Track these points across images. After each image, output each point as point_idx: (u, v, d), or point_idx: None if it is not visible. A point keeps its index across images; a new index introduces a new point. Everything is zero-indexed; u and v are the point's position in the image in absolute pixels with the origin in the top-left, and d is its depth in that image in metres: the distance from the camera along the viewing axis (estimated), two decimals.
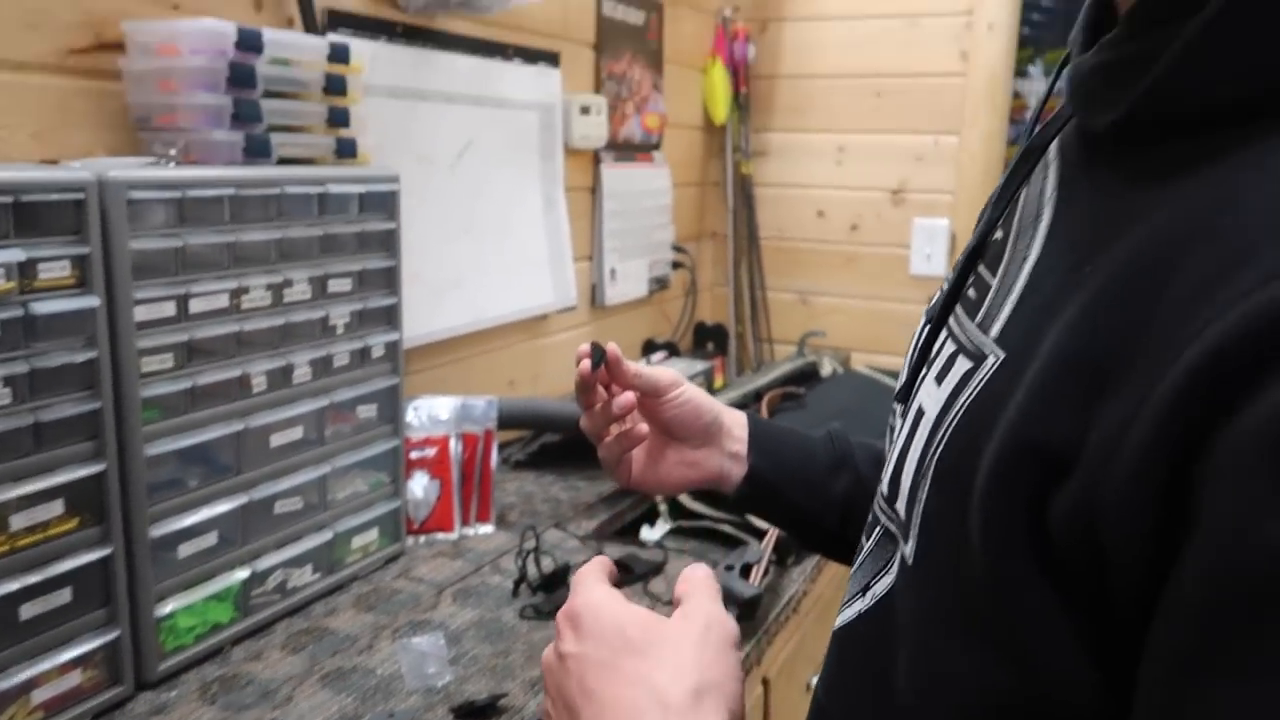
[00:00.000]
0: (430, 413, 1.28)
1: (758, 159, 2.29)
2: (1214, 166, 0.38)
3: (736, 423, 0.81)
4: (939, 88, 2.09)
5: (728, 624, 0.50)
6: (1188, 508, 0.33)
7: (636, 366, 0.76)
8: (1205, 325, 0.33)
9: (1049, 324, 0.41)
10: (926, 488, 0.47)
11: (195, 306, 0.91)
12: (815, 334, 2.22)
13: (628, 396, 0.75)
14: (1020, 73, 2.80)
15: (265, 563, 1.01)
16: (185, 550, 0.94)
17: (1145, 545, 0.34)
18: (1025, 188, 0.52)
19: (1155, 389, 0.34)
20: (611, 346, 0.75)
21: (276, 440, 1.01)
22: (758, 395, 1.74)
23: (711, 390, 1.82)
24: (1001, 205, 0.53)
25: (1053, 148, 0.51)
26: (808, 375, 1.99)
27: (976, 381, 0.45)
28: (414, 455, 1.25)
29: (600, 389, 0.76)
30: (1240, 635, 0.32)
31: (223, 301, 0.93)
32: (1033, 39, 2.18)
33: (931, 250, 2.15)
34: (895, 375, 0.67)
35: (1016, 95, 2.67)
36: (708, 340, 2.28)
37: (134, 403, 0.86)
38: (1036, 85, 3.12)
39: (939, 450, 0.46)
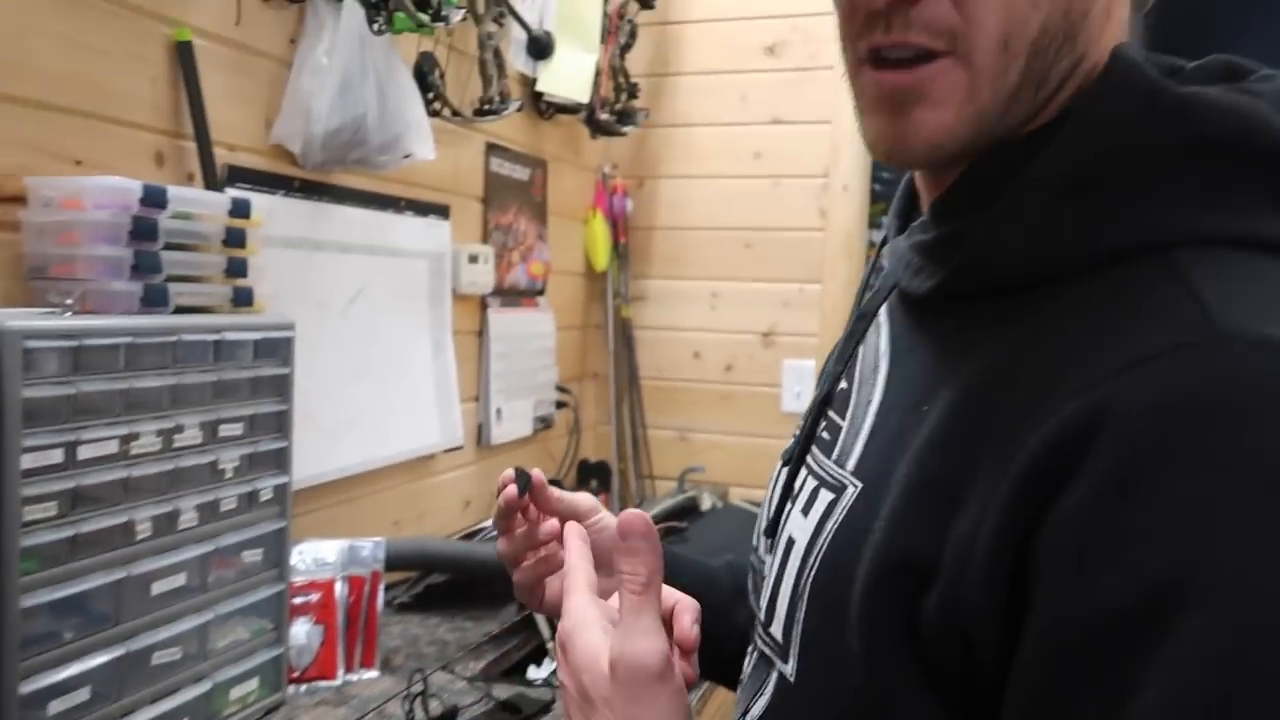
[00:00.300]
0: (316, 556, 1.28)
1: (637, 304, 2.41)
2: (1013, 322, 0.47)
3: None
4: (802, 240, 2.28)
5: (635, 659, 0.49)
6: (1028, 594, 0.40)
7: (559, 492, 0.76)
8: (1028, 440, 0.41)
9: (898, 456, 0.49)
10: (804, 609, 0.53)
11: (84, 453, 0.91)
12: (694, 470, 2.30)
13: (553, 523, 0.74)
14: (874, 224, 3.05)
15: (140, 718, 0.98)
16: (55, 708, 0.91)
17: (1001, 636, 0.42)
18: (862, 346, 0.61)
19: (994, 499, 0.42)
20: (536, 472, 0.75)
21: (158, 588, 1.00)
22: None
23: None
24: (844, 360, 0.61)
25: (882, 312, 0.60)
26: (689, 510, 2.05)
27: (840, 510, 0.53)
28: (298, 600, 1.24)
29: (519, 515, 0.76)
30: (1067, 691, 0.39)
31: (112, 448, 0.94)
32: (884, 195, 2.41)
33: (800, 389, 2.28)
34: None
35: (872, 244, 2.91)
36: (591, 477, 2.33)
37: (12, 553, 0.85)
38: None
39: (812, 574, 0.53)
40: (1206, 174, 0.45)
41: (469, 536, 1.78)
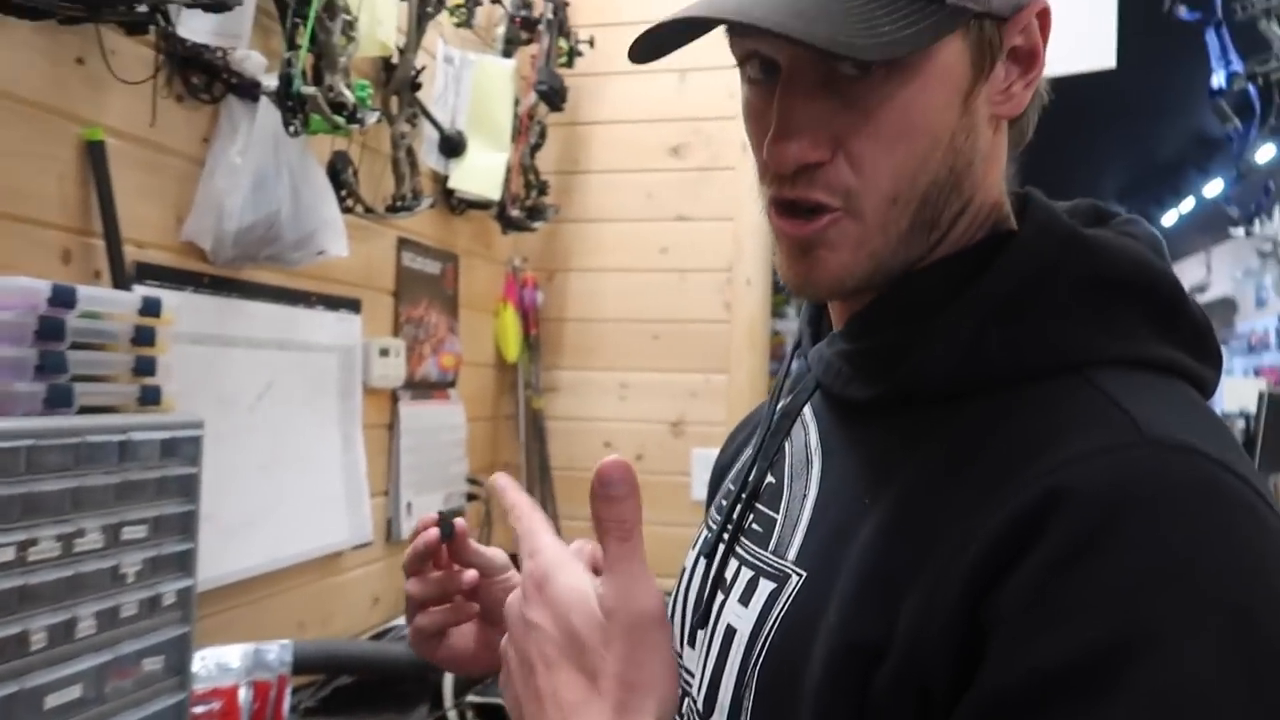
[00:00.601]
0: (219, 661, 1.24)
1: (548, 394, 2.44)
2: (960, 423, 0.53)
3: None
4: (708, 332, 2.35)
5: (639, 606, 0.49)
6: (983, 651, 0.45)
7: (476, 545, 0.75)
8: (988, 520, 0.46)
9: (844, 546, 0.53)
10: (751, 697, 0.55)
11: None
12: None
13: (472, 574, 0.72)
14: (778, 314, 3.16)
15: None
16: None
17: (957, 694, 0.45)
18: (788, 443, 0.64)
19: (951, 574, 0.47)
20: (460, 521, 0.74)
21: (51, 701, 0.95)
22: None
23: None
24: (769, 456, 0.65)
25: (806, 410, 0.64)
26: None
27: (785, 598, 0.55)
28: (199, 709, 1.19)
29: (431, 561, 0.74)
30: None
31: (8, 555, 0.90)
32: (785, 288, 2.51)
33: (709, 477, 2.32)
34: None
35: (776, 333, 3.01)
36: None
37: None
38: (790, 324, 3.50)
39: (760, 662, 0.55)
40: (1108, 305, 0.53)
41: (378, 636, 1.74)
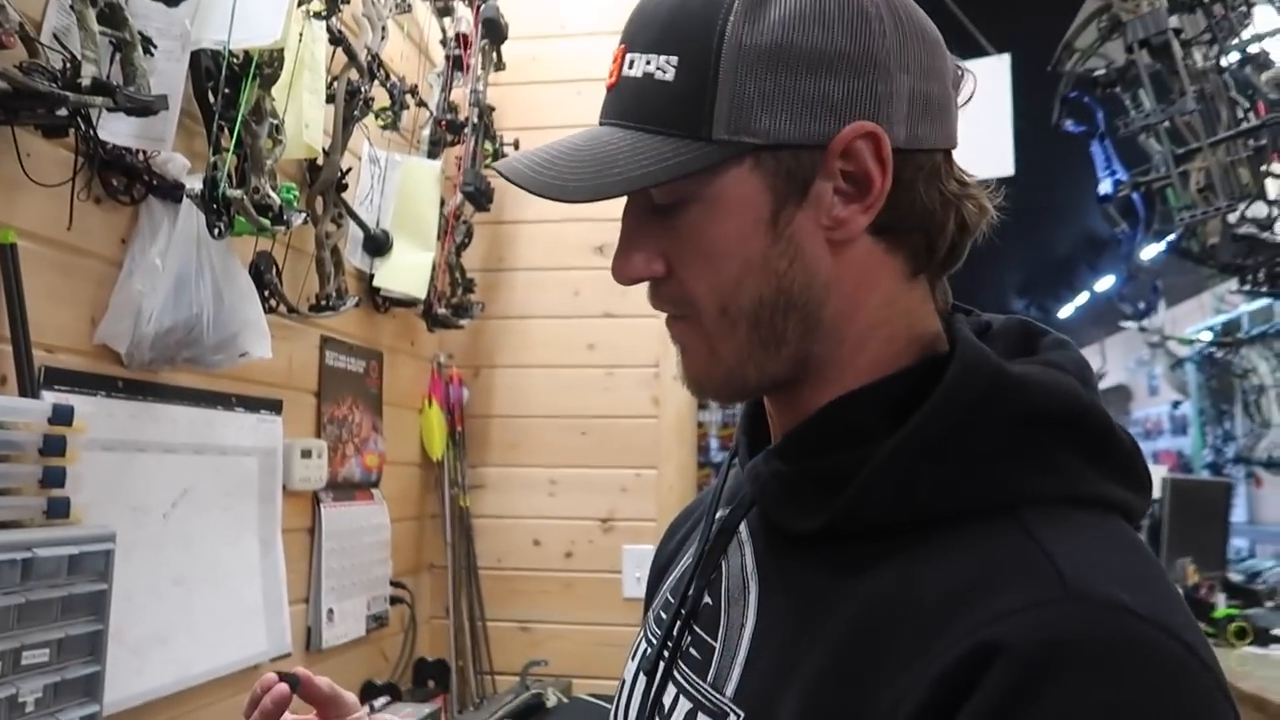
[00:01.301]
0: None
1: (475, 492, 2.39)
2: (895, 561, 0.53)
3: None
4: (637, 427, 2.35)
5: None
6: None
7: (326, 680, 0.79)
8: (926, 671, 0.47)
9: (783, 688, 0.53)
10: None
11: None
12: (538, 663, 2.23)
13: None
14: (702, 406, 3.19)
15: None
16: None
17: None
18: (724, 561, 0.64)
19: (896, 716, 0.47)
20: (301, 670, 0.77)
21: None
22: None
23: None
24: (706, 575, 0.64)
25: (743, 529, 0.64)
26: (534, 708, 1.98)
27: None
28: None
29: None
30: None
31: None
32: None
33: (641, 574, 2.29)
34: (613, 700, 0.72)
35: (700, 425, 3.03)
36: (428, 678, 2.22)
37: None
38: (714, 415, 3.54)
39: None
40: (1038, 443, 0.54)
41: None
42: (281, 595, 1.69)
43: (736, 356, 0.58)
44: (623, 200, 0.60)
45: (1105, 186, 2.81)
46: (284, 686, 0.74)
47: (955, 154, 0.61)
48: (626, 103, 0.58)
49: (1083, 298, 9.74)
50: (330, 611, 1.87)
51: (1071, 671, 0.44)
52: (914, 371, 0.58)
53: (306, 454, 1.77)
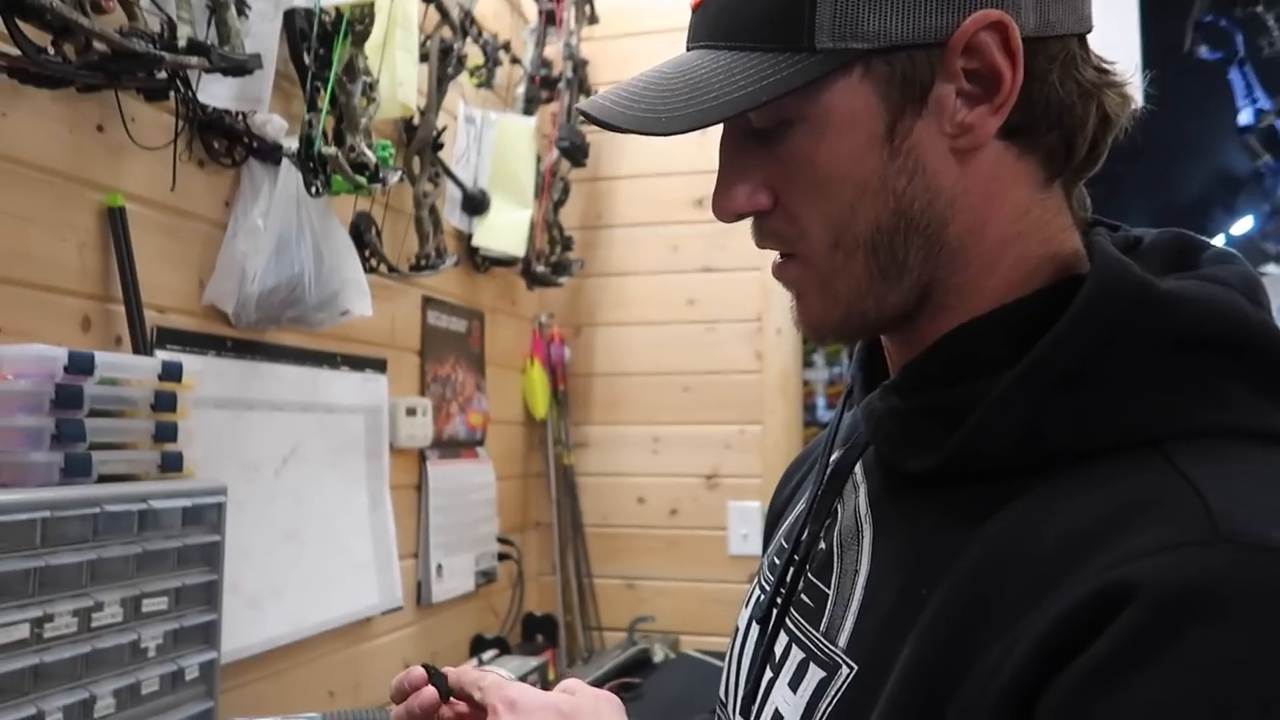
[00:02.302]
0: None
1: (578, 450, 2.40)
2: (1019, 503, 0.48)
3: None
4: (740, 383, 2.30)
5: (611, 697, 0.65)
6: None
7: (475, 676, 0.72)
8: (1046, 614, 0.42)
9: (898, 641, 0.49)
10: None
11: None
12: (644, 619, 2.23)
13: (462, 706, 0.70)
14: (807, 363, 3.13)
15: None
16: None
17: None
18: (839, 503, 0.60)
19: (991, 686, 0.43)
20: (448, 670, 0.72)
21: None
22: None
23: (546, 684, 1.78)
24: (820, 520, 0.60)
25: (858, 470, 0.60)
26: (641, 663, 1.98)
27: (834, 693, 0.52)
28: None
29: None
30: None
31: (22, 632, 0.87)
32: None
33: (747, 531, 2.26)
34: (722, 657, 0.70)
35: (806, 382, 2.97)
36: (537, 632, 2.24)
37: None
38: (820, 374, 3.46)
39: None
40: (1193, 369, 0.47)
41: None
42: (391, 550, 1.72)
43: (854, 292, 0.53)
44: (720, 134, 0.56)
45: (1245, 116, 2.59)
46: (431, 691, 0.69)
47: None
48: (716, 20, 0.53)
49: (1217, 241, 9.17)
50: (439, 567, 1.90)
51: (1214, 621, 0.38)
52: (1048, 293, 0.52)
53: (411, 412, 1.79)
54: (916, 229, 0.52)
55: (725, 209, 0.55)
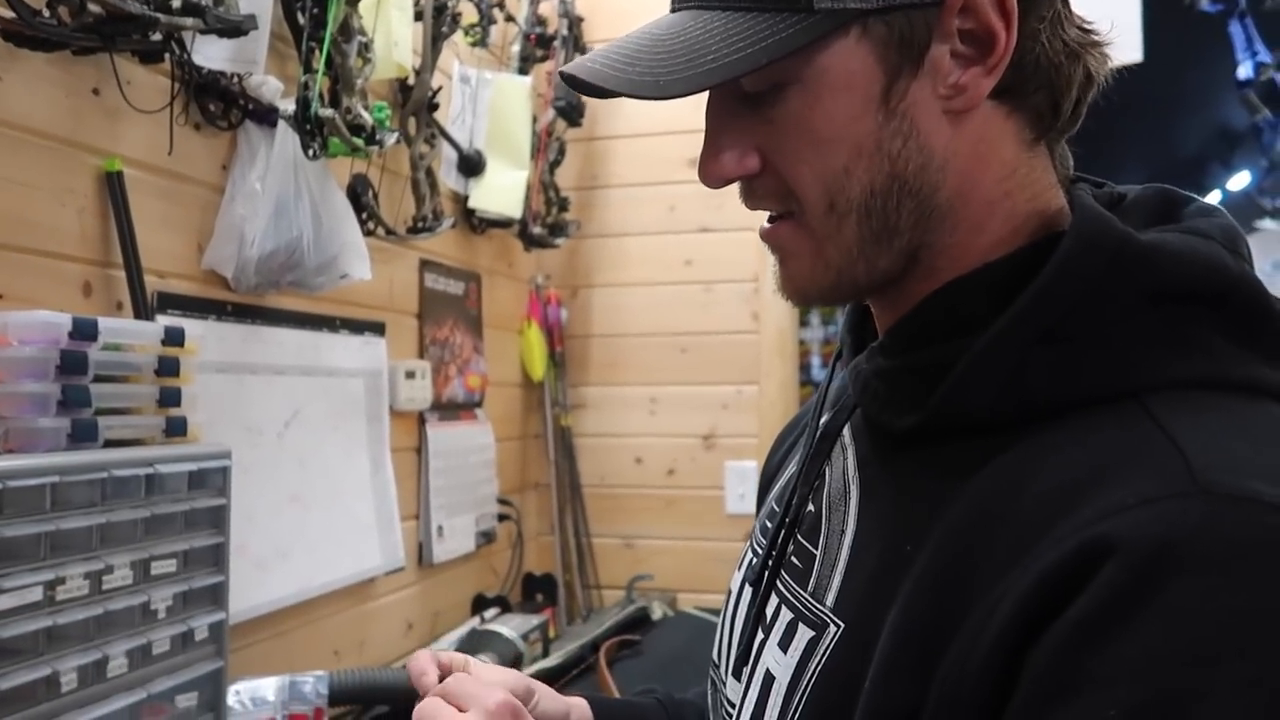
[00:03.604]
0: (254, 695, 1.21)
1: (576, 411, 2.41)
2: (1002, 458, 0.48)
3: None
4: (737, 343, 2.31)
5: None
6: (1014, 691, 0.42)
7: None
8: (1027, 570, 0.42)
9: (884, 599, 0.49)
10: None
11: (3, 603, 0.86)
12: (643, 578, 2.26)
13: None
14: (803, 323, 3.13)
15: None
16: None
17: None
18: (827, 466, 0.61)
19: (978, 641, 0.43)
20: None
21: None
22: (594, 646, 1.74)
23: (546, 641, 1.81)
24: (809, 482, 0.61)
25: (846, 432, 0.61)
26: (640, 621, 2.01)
27: (823, 650, 0.52)
28: None
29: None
30: None
31: (36, 595, 0.89)
32: None
33: (743, 490, 2.28)
34: (720, 614, 0.71)
35: (802, 342, 2.98)
36: (537, 591, 2.27)
37: None
38: (816, 333, 3.47)
39: (798, 714, 0.52)
40: (1173, 321, 0.48)
41: None
42: (393, 512, 1.74)
43: (845, 255, 0.53)
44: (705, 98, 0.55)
45: (1245, 70, 2.58)
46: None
47: None
48: None
49: (1214, 197, 9.15)
50: (440, 528, 1.92)
51: (1193, 574, 0.39)
52: (1031, 250, 0.52)
53: (410, 375, 1.80)
54: (909, 191, 0.52)
55: (713, 174, 0.55)
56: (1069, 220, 0.53)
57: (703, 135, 0.57)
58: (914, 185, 0.52)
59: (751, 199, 0.56)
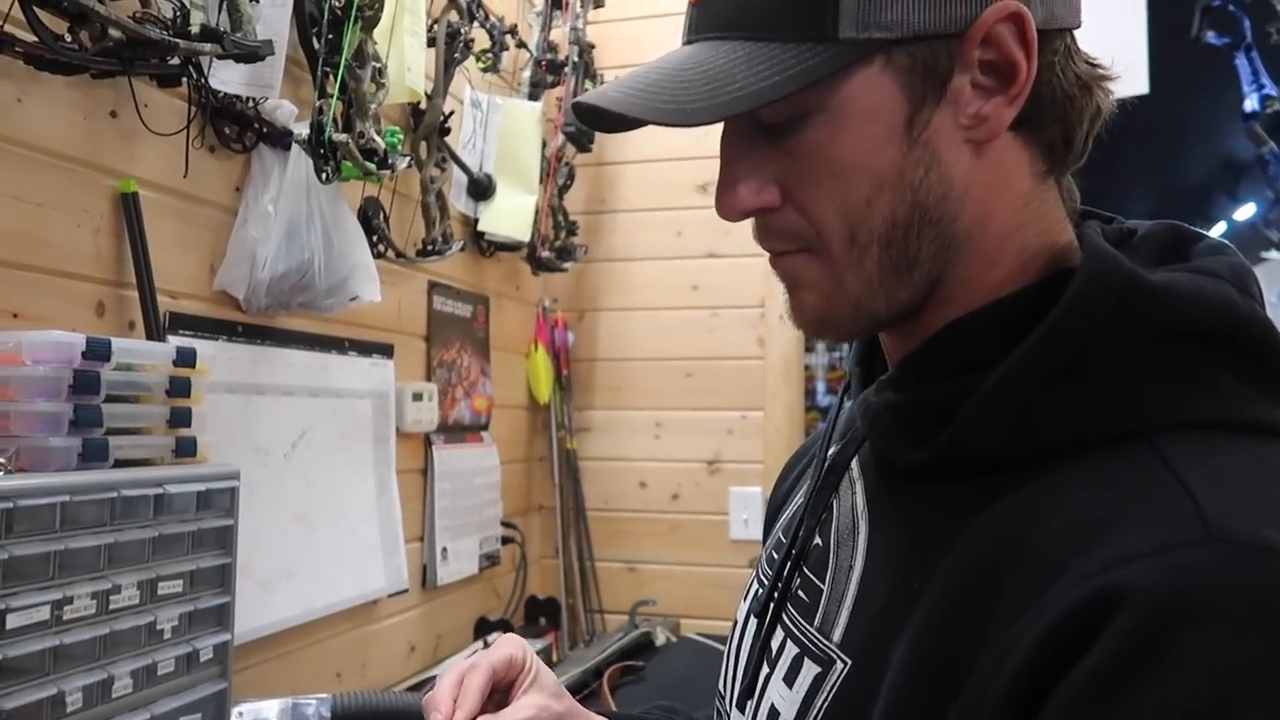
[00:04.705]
0: (257, 716, 1.20)
1: (581, 435, 2.41)
2: (999, 501, 0.48)
3: None
4: (742, 369, 2.32)
5: None
6: None
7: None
8: (1039, 618, 0.42)
9: (891, 636, 0.49)
10: None
11: (12, 622, 0.86)
12: (646, 602, 2.26)
13: None
14: (808, 349, 3.13)
15: None
16: None
17: None
18: (835, 500, 0.60)
19: (1000, 672, 0.42)
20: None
21: None
22: (598, 671, 1.74)
23: (549, 666, 1.80)
24: (816, 515, 0.61)
25: (854, 465, 0.60)
26: (643, 646, 2.00)
27: (829, 687, 0.52)
28: None
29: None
30: None
31: (43, 614, 0.89)
32: None
33: (748, 515, 2.28)
34: (724, 641, 0.71)
35: (807, 368, 2.98)
36: (540, 615, 2.26)
37: None
38: (821, 359, 3.46)
39: None
40: (1182, 361, 0.48)
41: (416, 686, 1.70)
42: (398, 534, 1.74)
43: (865, 288, 0.53)
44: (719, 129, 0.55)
45: (1251, 103, 2.59)
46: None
47: None
48: (727, 12, 0.52)
49: (1219, 228, 9.16)
50: (444, 550, 1.92)
51: (1206, 626, 0.38)
52: (1039, 287, 0.52)
53: (418, 397, 1.80)
54: (930, 222, 0.52)
55: (731, 207, 0.54)
56: (1078, 256, 0.53)
57: (710, 161, 0.56)
58: (935, 215, 0.52)
59: (767, 236, 0.55)
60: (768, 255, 0.57)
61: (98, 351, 0.97)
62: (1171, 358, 0.48)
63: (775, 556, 0.64)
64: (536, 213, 2.13)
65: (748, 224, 0.57)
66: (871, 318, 0.55)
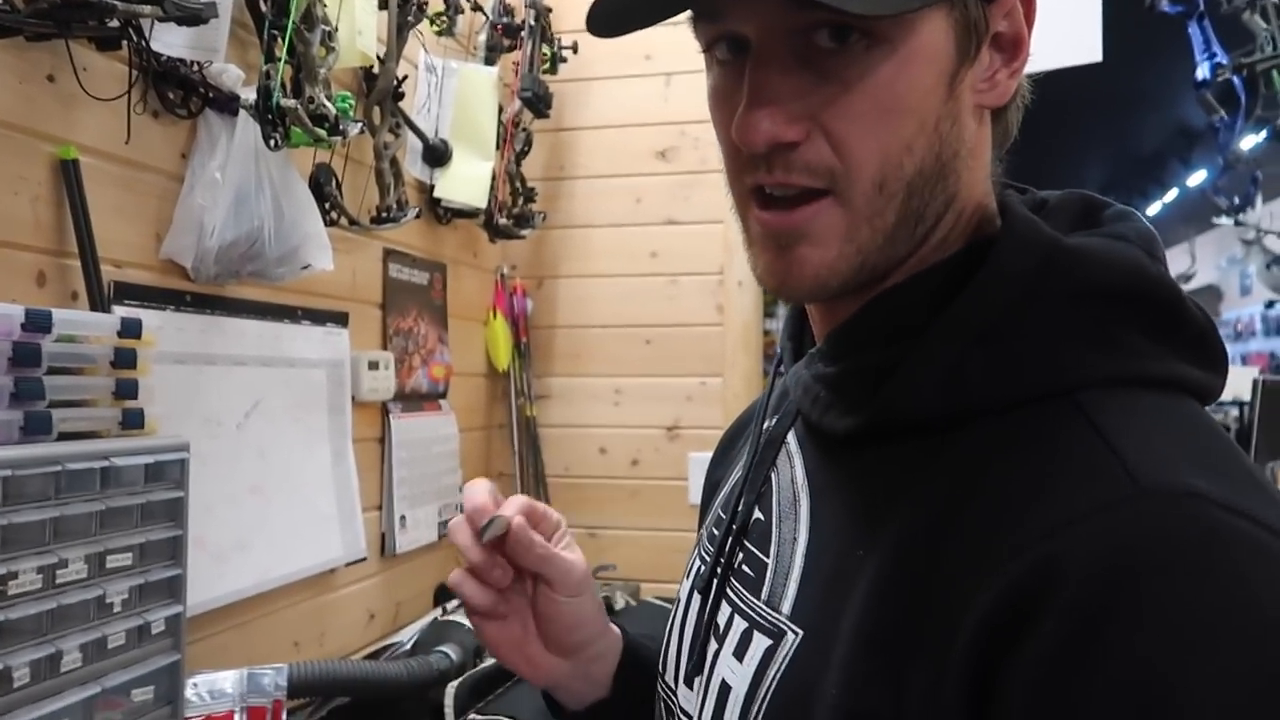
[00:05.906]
0: (211, 688, 1.21)
1: (541, 402, 2.41)
2: (933, 465, 0.49)
3: (610, 649, 0.77)
4: (701, 335, 2.33)
5: None
6: None
7: (543, 547, 0.69)
8: (979, 589, 0.43)
9: (840, 604, 0.50)
10: None
11: None
12: (606, 567, 2.28)
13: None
14: (769, 314, 3.15)
15: None
16: None
17: None
18: (774, 474, 0.61)
19: (951, 646, 0.43)
20: (518, 520, 0.68)
21: None
22: None
23: None
24: (755, 489, 0.62)
25: (791, 439, 0.61)
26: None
27: (781, 658, 0.52)
28: None
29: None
30: None
31: None
32: None
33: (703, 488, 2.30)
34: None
35: (768, 333, 3.00)
36: None
37: None
38: (781, 324, 3.47)
39: None
40: (1099, 320, 0.50)
41: (374, 654, 1.71)
42: (354, 503, 1.73)
43: (875, 243, 0.52)
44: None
45: (1203, 71, 2.63)
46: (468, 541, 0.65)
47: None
48: None
49: (1172, 194, 9.32)
50: (403, 518, 1.92)
51: (1149, 581, 0.40)
52: (966, 254, 0.54)
53: (374, 365, 1.79)
54: (943, 176, 0.53)
55: (759, 132, 0.50)
56: (997, 225, 0.55)
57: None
58: (948, 170, 0.53)
59: (787, 171, 0.51)
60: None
61: (37, 323, 0.95)
62: (1089, 317, 0.50)
63: (716, 532, 0.64)
64: (493, 179, 2.11)
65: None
66: (872, 272, 0.53)
